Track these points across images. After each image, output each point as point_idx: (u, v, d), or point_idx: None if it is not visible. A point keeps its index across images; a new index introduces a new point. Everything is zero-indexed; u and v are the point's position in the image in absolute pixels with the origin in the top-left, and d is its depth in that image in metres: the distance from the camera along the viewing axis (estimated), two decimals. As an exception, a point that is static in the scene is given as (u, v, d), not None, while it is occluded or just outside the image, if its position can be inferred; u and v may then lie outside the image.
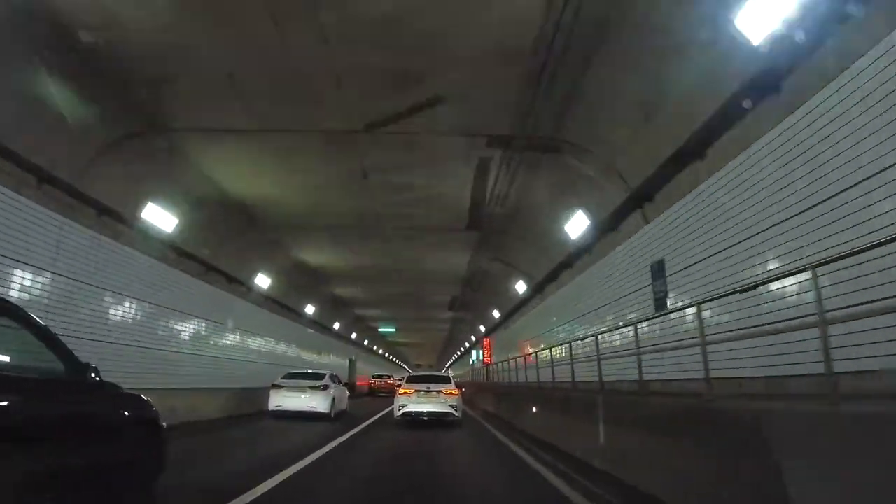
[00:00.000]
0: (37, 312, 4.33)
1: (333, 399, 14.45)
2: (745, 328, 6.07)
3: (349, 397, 17.18)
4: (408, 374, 17.17)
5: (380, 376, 37.17)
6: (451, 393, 12.91)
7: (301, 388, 14.04)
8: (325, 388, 14.25)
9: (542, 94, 8.03)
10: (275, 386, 14.18)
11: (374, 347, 46.68)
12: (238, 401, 14.54)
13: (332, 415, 14.28)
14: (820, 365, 3.41)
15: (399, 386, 14.49)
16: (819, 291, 3.51)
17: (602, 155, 9.43)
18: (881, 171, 4.33)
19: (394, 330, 38.97)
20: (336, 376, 16.21)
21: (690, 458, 4.33)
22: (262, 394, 14.40)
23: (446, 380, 13.94)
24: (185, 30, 6.99)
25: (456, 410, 12.73)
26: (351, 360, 36.08)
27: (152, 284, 11.59)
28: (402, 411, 12.68)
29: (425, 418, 12.52)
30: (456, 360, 53.44)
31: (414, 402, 12.70)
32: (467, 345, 39.51)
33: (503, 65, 7.68)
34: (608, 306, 11.12)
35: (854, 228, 4.60)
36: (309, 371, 15.97)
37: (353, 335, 36.81)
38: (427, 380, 13.76)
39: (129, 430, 4.33)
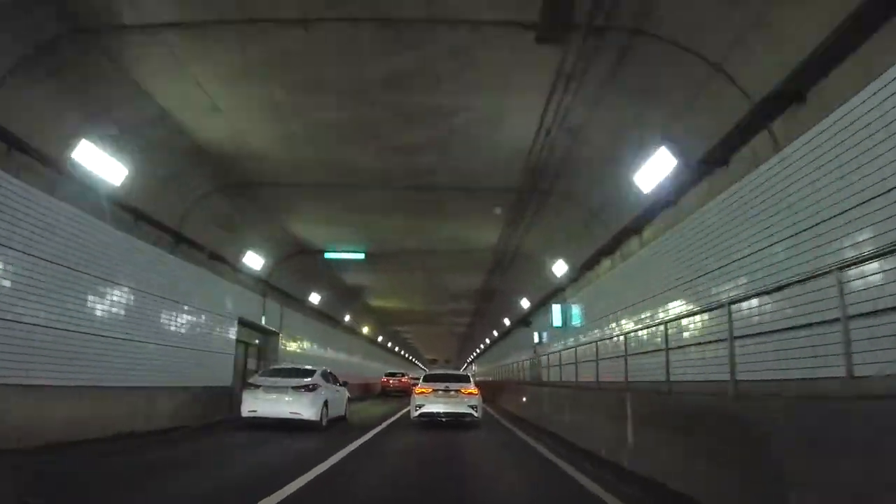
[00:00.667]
0: None
1: (325, 402, 11.22)
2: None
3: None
4: (424, 373, 15.84)
5: (392, 374, 33.97)
6: (470, 393, 12.36)
7: (282, 389, 10.83)
8: (314, 388, 10.99)
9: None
10: (249, 385, 11.04)
11: (354, 320, 29.65)
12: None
13: (324, 423, 11.07)
14: None
15: (415, 385, 13.55)
16: None
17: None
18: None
19: (363, 257, 17.67)
20: (331, 373, 12.93)
21: None
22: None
23: (465, 378, 13.36)
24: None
25: (476, 411, 12.18)
26: (266, 331, 17.14)
27: None
28: (419, 412, 12.16)
29: (443, 419, 11.98)
30: (484, 350, 42.80)
31: (432, 402, 12.17)
32: (526, 304, 21.82)
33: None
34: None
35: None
36: (295, 367, 12.67)
37: (259, 265, 15.34)
38: (445, 378, 13.01)
39: None
